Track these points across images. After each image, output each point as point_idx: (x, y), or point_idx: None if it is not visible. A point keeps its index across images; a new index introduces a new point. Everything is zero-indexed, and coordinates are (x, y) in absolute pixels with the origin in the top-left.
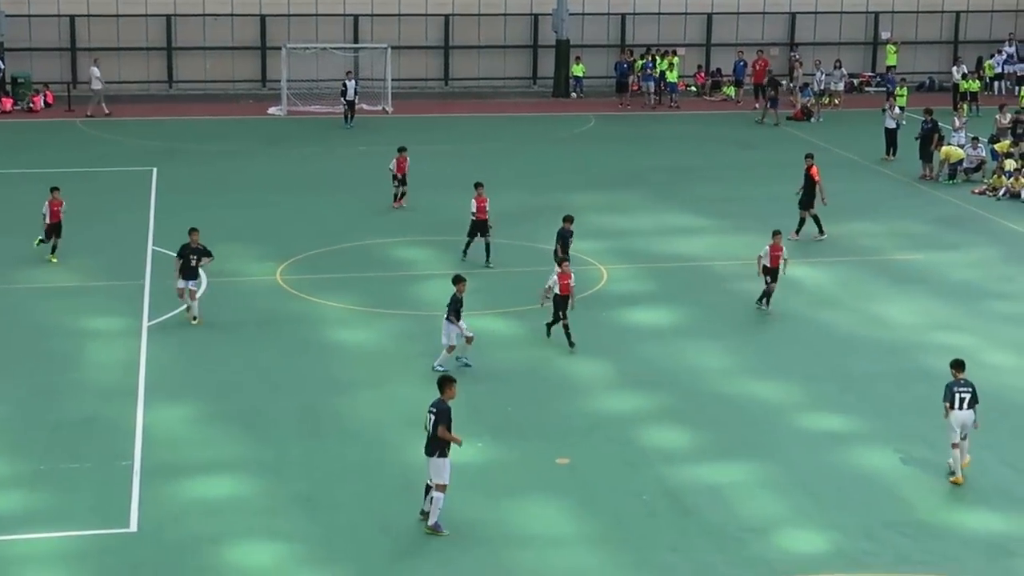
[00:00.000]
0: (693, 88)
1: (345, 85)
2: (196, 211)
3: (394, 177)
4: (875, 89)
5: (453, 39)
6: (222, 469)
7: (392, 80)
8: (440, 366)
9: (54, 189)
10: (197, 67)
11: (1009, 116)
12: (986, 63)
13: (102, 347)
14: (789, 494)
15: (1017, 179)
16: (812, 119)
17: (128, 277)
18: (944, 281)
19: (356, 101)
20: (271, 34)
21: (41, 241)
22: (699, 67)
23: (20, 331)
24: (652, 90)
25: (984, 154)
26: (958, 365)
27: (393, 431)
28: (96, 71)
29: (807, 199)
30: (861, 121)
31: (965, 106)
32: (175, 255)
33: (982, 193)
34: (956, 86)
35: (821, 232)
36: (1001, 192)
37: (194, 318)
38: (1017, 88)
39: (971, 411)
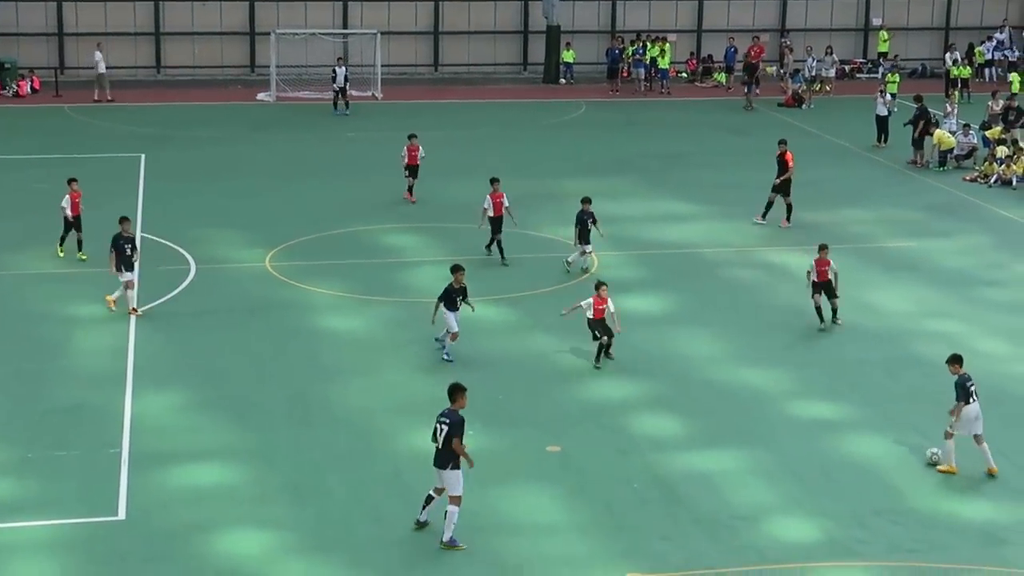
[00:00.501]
0: (684, 75)
1: (335, 71)
2: (185, 197)
3: (406, 167)
4: (867, 75)
5: (443, 25)
6: (211, 457)
7: (381, 66)
8: (447, 355)
9: (72, 180)
10: (185, 52)
11: (1001, 103)
12: (976, 49)
13: (90, 334)
14: (780, 482)
15: (1008, 166)
16: (803, 106)
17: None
18: (935, 268)
19: (348, 88)
20: (260, 19)
21: (63, 238)
22: (691, 54)
23: (7, 318)
24: (643, 76)
25: (975, 141)
26: (959, 360)
27: (383, 419)
28: (99, 55)
29: (784, 185)
30: (852, 108)
31: (956, 93)
32: (109, 247)
33: (973, 180)
34: (948, 73)
35: (788, 219)
36: (992, 179)
37: (135, 309)
38: (1008, 75)
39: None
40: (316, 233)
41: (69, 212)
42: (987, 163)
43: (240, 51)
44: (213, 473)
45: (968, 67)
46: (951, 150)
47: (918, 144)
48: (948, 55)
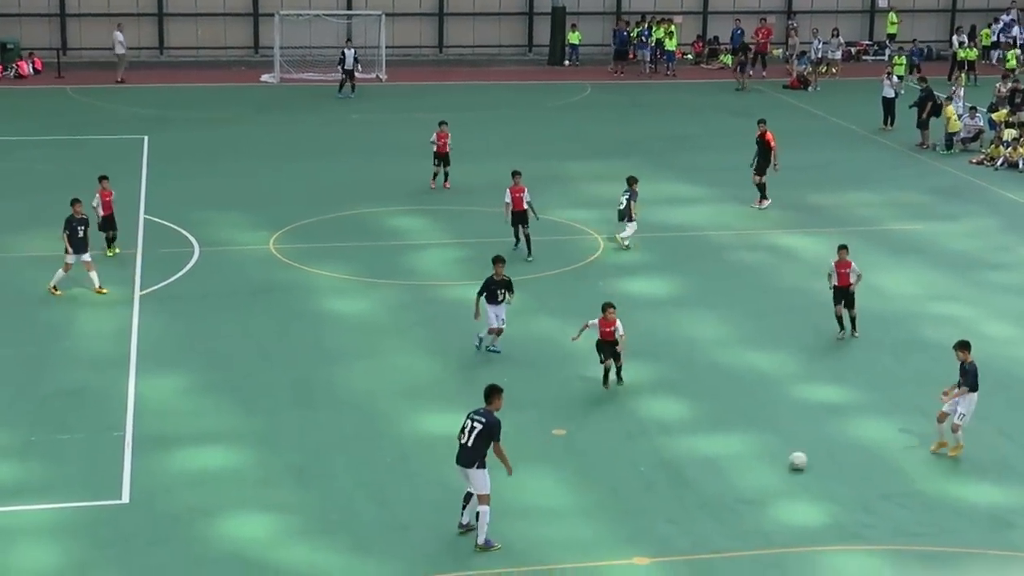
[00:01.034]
0: (690, 56)
1: (343, 54)
2: (188, 179)
3: (435, 155)
4: (873, 58)
5: (448, 6)
6: (215, 440)
7: (386, 47)
8: (493, 347)
9: (103, 178)
10: (189, 33)
11: (1009, 85)
12: (982, 31)
13: (93, 316)
14: (786, 465)
15: (1015, 149)
16: (809, 88)
17: (119, 246)
18: (942, 252)
19: (355, 70)
20: (264, 0)
21: (107, 240)
22: (697, 36)
23: (9, 300)
24: (648, 58)
25: (982, 124)
26: (968, 346)
27: (388, 402)
28: (119, 36)
29: (762, 164)
30: (859, 90)
31: (963, 75)
32: (62, 229)
33: (980, 163)
34: (955, 55)
35: (762, 200)
36: (999, 162)
37: (101, 288)
38: (1006, 54)
39: None
40: (320, 215)
41: (101, 211)
42: (993, 146)
43: (244, 32)
44: (217, 456)
45: (974, 49)
46: (956, 133)
47: (925, 126)
48: (955, 37)
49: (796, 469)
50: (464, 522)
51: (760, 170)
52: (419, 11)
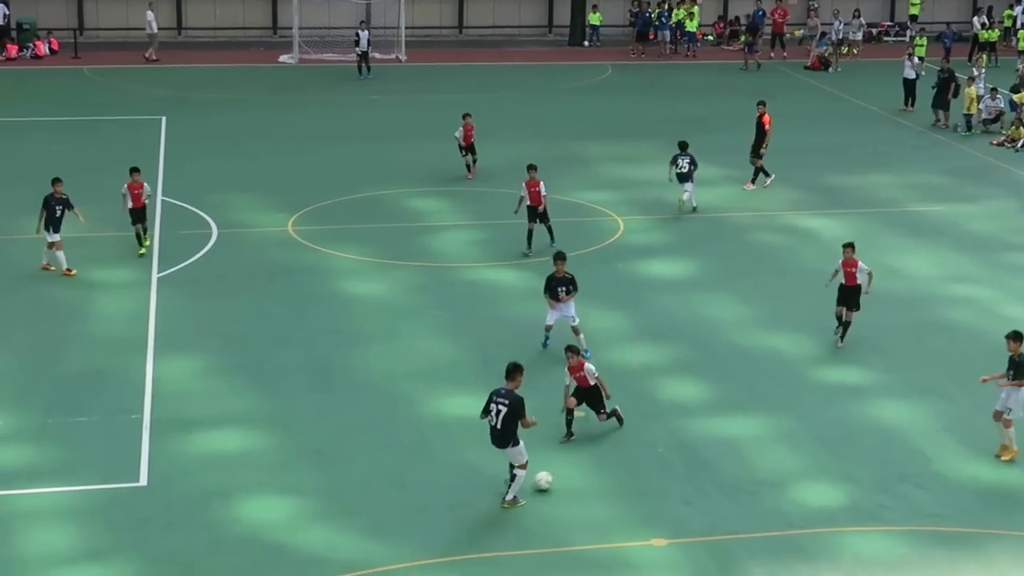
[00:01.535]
0: (710, 38)
1: (358, 35)
2: (206, 160)
3: (460, 147)
4: (894, 39)
5: None
6: (232, 423)
7: (405, 28)
8: (586, 352)
9: (134, 170)
10: (206, 13)
11: None
12: (1005, 12)
13: (110, 299)
14: (804, 447)
15: None
16: (830, 69)
17: (148, 237)
18: (962, 233)
19: (370, 52)
20: None
21: (138, 235)
22: (719, 17)
23: (26, 282)
24: (668, 39)
25: (1003, 105)
26: (1020, 337)
27: (405, 384)
28: (151, 15)
29: (757, 146)
30: (880, 71)
31: (984, 56)
32: (40, 207)
33: (1000, 144)
34: (976, 36)
35: (752, 182)
36: (1020, 143)
37: (69, 269)
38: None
39: None
40: (339, 197)
41: (130, 203)
42: (1014, 127)
43: (262, 12)
44: (234, 439)
45: (995, 30)
46: (975, 114)
47: (942, 106)
48: (976, 18)
49: (540, 490)
50: (509, 498)
51: (757, 152)
52: None
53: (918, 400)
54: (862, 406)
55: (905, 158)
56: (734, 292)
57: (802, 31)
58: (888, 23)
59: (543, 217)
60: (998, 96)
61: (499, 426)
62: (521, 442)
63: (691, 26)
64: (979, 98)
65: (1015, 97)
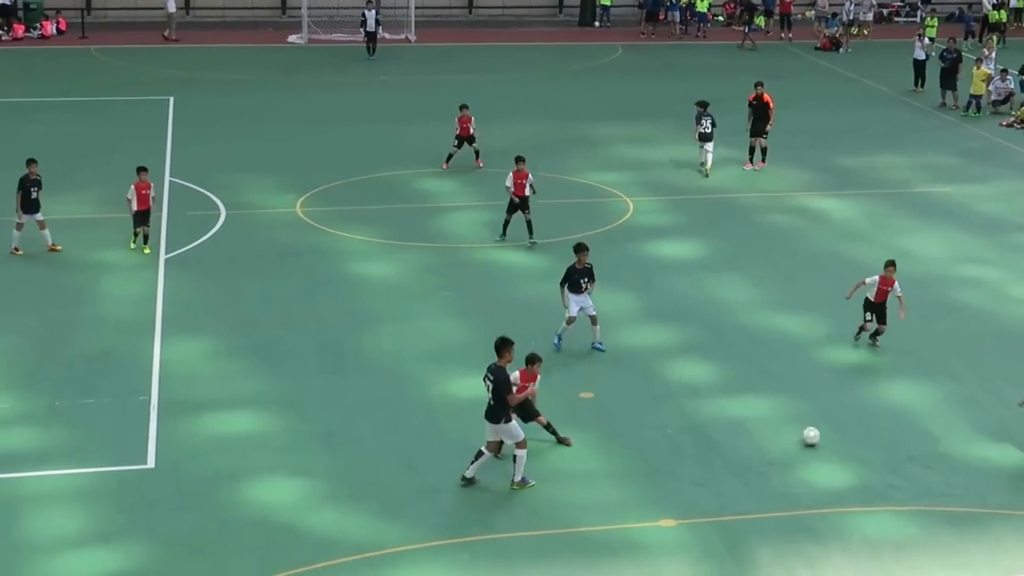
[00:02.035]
0: (721, 18)
1: (364, 16)
2: (214, 142)
3: (457, 138)
4: (905, 19)
5: None
6: (241, 405)
7: (415, 8)
8: (599, 344)
9: (141, 170)
10: None
11: None
12: None
13: (118, 280)
14: (814, 428)
15: None
16: (840, 50)
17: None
18: (971, 214)
19: (378, 32)
20: None
21: (136, 234)
22: None
23: (34, 264)
24: (679, 20)
25: (1012, 86)
26: None
27: (416, 366)
28: None
29: (762, 126)
30: (890, 52)
31: (995, 37)
32: (16, 189)
33: (1010, 125)
34: (986, 17)
35: (763, 160)
36: None
37: (54, 246)
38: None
39: None
40: (347, 178)
41: (136, 205)
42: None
43: None
44: (244, 421)
45: (1004, 11)
46: (981, 96)
47: (950, 87)
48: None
49: (809, 445)
50: (468, 475)
51: (760, 132)
52: None
53: (927, 381)
54: (871, 387)
55: (915, 139)
56: (744, 273)
57: (812, 11)
58: (899, 3)
59: (524, 208)
60: (1008, 77)
61: (491, 400)
62: (514, 419)
63: (701, 6)
64: (989, 79)
65: None
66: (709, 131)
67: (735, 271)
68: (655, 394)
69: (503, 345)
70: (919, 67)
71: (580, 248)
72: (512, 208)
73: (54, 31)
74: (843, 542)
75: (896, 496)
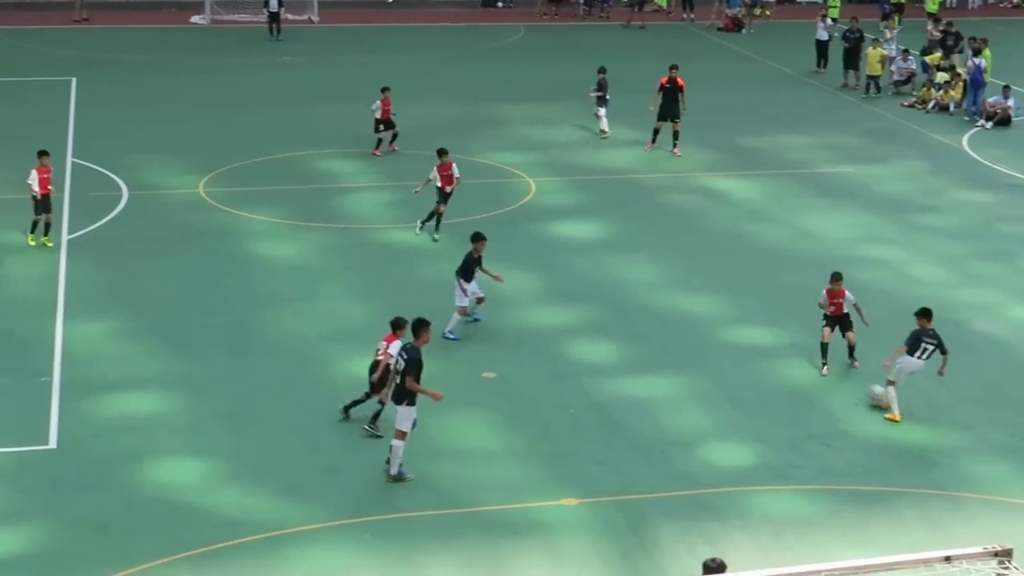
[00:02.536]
0: None
1: None
2: (117, 123)
3: (377, 122)
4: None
5: None
6: (144, 385)
7: None
8: (451, 332)
9: (42, 154)
10: None
11: (942, 27)
12: None
13: (19, 261)
14: (715, 407)
15: (947, 92)
16: (743, 30)
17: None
18: (872, 194)
19: (280, 13)
20: None
21: (34, 224)
22: None
23: None
24: (582, 1)
25: (914, 67)
26: (926, 315)
27: (319, 346)
28: None
29: (675, 109)
30: (792, 32)
31: (896, 17)
32: None
33: (911, 106)
34: None
35: (676, 144)
36: (931, 105)
37: None
38: None
39: (925, 363)
40: (251, 159)
41: (37, 189)
42: (925, 88)
43: None
44: (147, 401)
45: None
46: (877, 77)
47: (852, 67)
48: None
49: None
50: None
51: (674, 115)
52: None
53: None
54: (773, 366)
55: (817, 119)
56: (647, 253)
57: None
58: None
59: (445, 201)
60: (910, 57)
61: (399, 380)
62: (413, 408)
63: None
64: (891, 60)
65: (927, 59)
66: (602, 94)
67: (638, 251)
68: (558, 374)
69: (419, 326)
70: (821, 47)
71: (478, 237)
72: (444, 199)
73: None
74: (745, 520)
75: (797, 475)
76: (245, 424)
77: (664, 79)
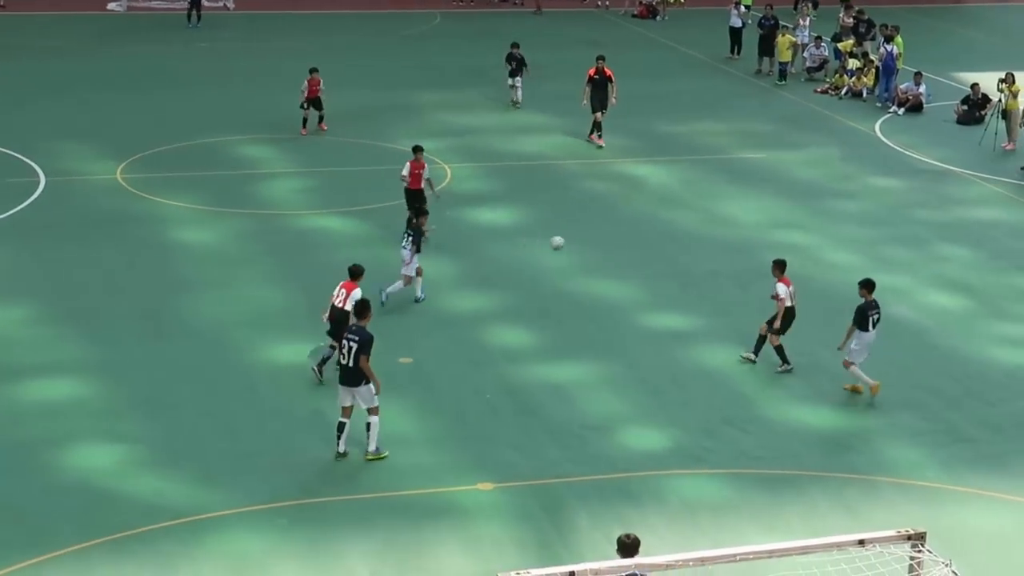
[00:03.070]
0: None
1: None
2: (32, 109)
3: (304, 102)
4: None
5: None
6: (61, 371)
7: None
8: (387, 295)
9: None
10: None
11: (853, 15)
12: None
13: None
14: (630, 392)
15: (859, 78)
16: (657, 17)
17: None
18: (786, 180)
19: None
20: None
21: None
22: None
23: None
24: None
25: (827, 53)
26: (869, 285)
27: (237, 332)
28: None
29: (604, 101)
30: (706, 19)
31: (809, 5)
32: None
33: (824, 92)
34: None
35: (599, 136)
36: (843, 91)
37: None
38: None
39: (875, 332)
40: (168, 145)
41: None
42: (838, 75)
43: None
44: (64, 387)
45: None
46: (787, 63)
47: (767, 53)
48: None
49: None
50: (341, 450)
51: (602, 106)
52: None
53: (742, 345)
54: (688, 351)
55: (731, 106)
56: (563, 239)
57: None
58: None
59: (418, 202)
60: (822, 44)
61: (350, 363)
62: (371, 384)
63: None
64: (803, 46)
65: (839, 46)
66: (515, 66)
67: (553, 237)
68: (474, 359)
69: (363, 307)
70: (735, 35)
71: (420, 212)
72: (410, 201)
73: None
74: (661, 504)
75: (712, 459)
76: (162, 409)
77: (592, 70)
